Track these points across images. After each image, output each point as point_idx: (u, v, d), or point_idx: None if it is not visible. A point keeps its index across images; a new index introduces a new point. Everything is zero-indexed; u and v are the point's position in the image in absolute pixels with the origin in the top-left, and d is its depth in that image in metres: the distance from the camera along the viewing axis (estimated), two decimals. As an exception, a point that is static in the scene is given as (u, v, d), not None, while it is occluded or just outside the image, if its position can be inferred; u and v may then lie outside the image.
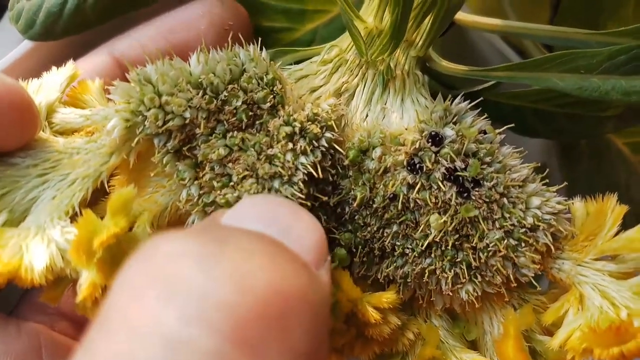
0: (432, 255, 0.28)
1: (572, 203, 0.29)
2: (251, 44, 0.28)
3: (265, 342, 0.17)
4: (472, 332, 0.30)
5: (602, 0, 0.39)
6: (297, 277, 0.20)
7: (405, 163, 0.28)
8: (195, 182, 0.27)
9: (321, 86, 0.30)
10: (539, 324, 0.29)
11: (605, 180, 0.42)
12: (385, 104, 0.30)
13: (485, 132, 0.28)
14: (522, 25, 0.31)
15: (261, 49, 0.29)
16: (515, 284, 0.29)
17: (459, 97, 0.29)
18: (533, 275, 0.28)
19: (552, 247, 0.28)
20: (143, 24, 0.34)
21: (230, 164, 0.27)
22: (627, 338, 0.25)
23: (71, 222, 0.26)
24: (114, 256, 0.24)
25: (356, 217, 0.29)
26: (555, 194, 0.29)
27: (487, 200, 0.27)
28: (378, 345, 0.29)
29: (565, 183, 0.29)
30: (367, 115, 0.30)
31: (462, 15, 0.31)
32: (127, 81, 0.27)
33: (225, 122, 0.27)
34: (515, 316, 0.28)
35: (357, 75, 0.30)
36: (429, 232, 0.28)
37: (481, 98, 0.29)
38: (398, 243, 0.29)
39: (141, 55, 0.32)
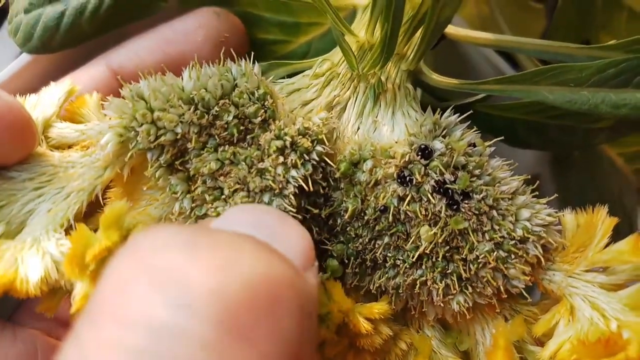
0: (423, 266, 0.29)
1: (563, 215, 0.29)
2: (244, 58, 0.29)
3: (253, 327, 0.18)
4: (465, 343, 0.31)
5: (595, 12, 0.39)
6: (285, 269, 0.20)
7: (395, 176, 0.28)
8: (188, 195, 0.27)
9: (313, 99, 0.30)
10: (531, 334, 0.29)
11: (597, 190, 0.42)
12: (377, 117, 0.30)
13: (474, 145, 0.28)
14: (512, 40, 0.31)
15: (254, 63, 0.29)
16: (507, 295, 0.29)
17: (449, 110, 0.29)
18: (524, 286, 0.28)
19: (542, 259, 0.28)
20: (140, 35, 0.34)
21: (221, 178, 0.27)
22: (616, 350, 0.25)
23: (66, 234, 0.26)
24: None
25: (348, 229, 0.30)
26: (546, 206, 0.29)
27: (477, 212, 0.28)
28: (370, 356, 0.30)
29: (556, 195, 0.29)
30: (358, 128, 0.30)
31: (453, 29, 0.31)
32: (124, 93, 0.27)
33: (216, 136, 0.27)
34: (506, 327, 0.28)
35: (348, 89, 0.31)
36: (419, 243, 0.28)
37: (471, 111, 0.29)
38: (389, 254, 0.29)
39: (138, 66, 0.33)
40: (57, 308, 0.27)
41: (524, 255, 0.28)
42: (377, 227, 0.29)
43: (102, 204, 0.27)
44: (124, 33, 0.35)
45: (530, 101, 0.33)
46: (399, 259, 0.29)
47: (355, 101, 0.31)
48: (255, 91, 0.28)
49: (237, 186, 0.27)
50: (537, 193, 0.29)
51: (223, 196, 0.27)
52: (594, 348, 0.26)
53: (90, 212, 0.28)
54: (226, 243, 0.20)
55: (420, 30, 0.29)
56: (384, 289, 0.30)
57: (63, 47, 0.32)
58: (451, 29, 0.31)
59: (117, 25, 0.34)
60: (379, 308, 0.28)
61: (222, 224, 0.23)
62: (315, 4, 0.28)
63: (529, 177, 0.29)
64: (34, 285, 0.24)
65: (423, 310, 0.30)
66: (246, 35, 0.36)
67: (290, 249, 0.22)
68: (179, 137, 0.27)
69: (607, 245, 0.28)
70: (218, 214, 0.27)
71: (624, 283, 0.28)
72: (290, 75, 0.32)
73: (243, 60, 0.29)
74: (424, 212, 0.28)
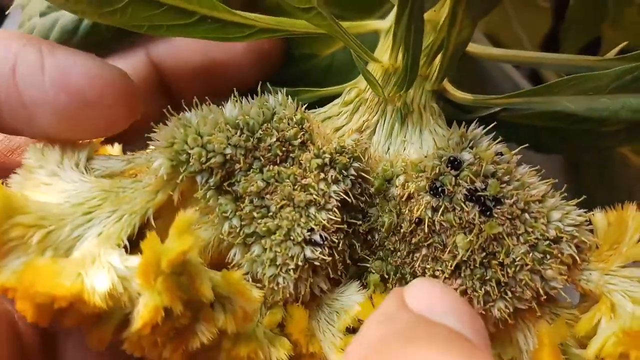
0: (462, 275, 0.29)
1: (593, 214, 0.30)
2: (279, 91, 0.31)
3: None
4: (508, 352, 0.31)
5: (606, 8, 0.40)
6: None
7: (427, 188, 0.29)
8: (237, 214, 0.29)
9: (344, 125, 0.32)
10: (575, 337, 0.29)
11: (607, 182, 0.42)
12: (405, 137, 0.32)
13: (501, 154, 0.30)
14: (532, 55, 0.33)
15: (287, 95, 0.31)
16: (546, 298, 0.30)
17: (474, 122, 0.30)
18: (561, 286, 0.29)
19: (577, 259, 0.29)
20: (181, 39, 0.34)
21: (268, 196, 0.29)
22: (663, 339, 0.26)
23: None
24: (176, 281, 0.25)
25: (386, 244, 0.31)
26: (575, 207, 0.30)
27: (510, 216, 0.29)
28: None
29: (583, 197, 0.30)
30: (388, 148, 0.32)
31: (472, 47, 0.33)
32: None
33: (261, 157, 0.29)
34: (549, 327, 0.29)
35: (377, 113, 0.32)
36: (456, 252, 0.29)
37: (495, 122, 0.31)
38: (428, 266, 0.30)
39: (177, 64, 0.34)
40: (109, 338, 0.27)
41: (559, 255, 0.29)
42: (413, 240, 0.30)
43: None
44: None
45: (551, 110, 0.35)
46: (437, 270, 0.30)
47: (384, 124, 0.32)
48: (293, 117, 0.30)
49: (284, 202, 0.29)
50: (565, 195, 0.30)
51: (270, 213, 0.29)
52: (640, 338, 0.26)
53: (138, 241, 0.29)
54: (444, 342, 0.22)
55: (441, 53, 0.31)
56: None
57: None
58: (470, 47, 0.33)
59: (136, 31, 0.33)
60: None
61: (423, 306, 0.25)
62: (337, 37, 0.30)
63: (557, 181, 0.30)
64: (101, 297, 0.24)
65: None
66: (286, 46, 0.37)
67: (483, 341, 0.24)
68: (227, 158, 0.29)
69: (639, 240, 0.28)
70: (267, 229, 0.28)
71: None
72: (317, 102, 0.34)
73: (279, 93, 0.31)
74: (458, 221, 0.29)
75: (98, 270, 0.25)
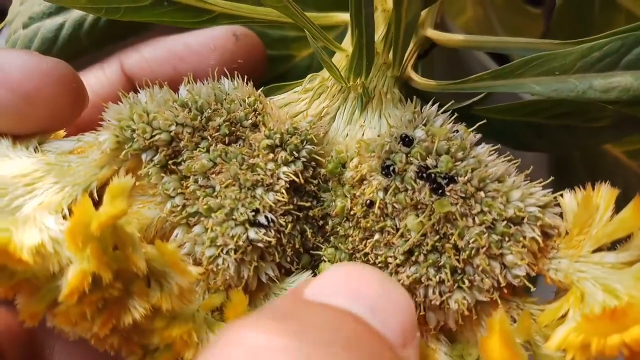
0: (415, 260, 0.27)
1: (561, 196, 0.27)
2: (239, 77, 0.31)
3: None
4: (473, 354, 0.27)
5: (593, 15, 0.38)
6: (383, 351, 0.19)
7: (379, 167, 0.28)
8: (180, 192, 0.28)
9: (302, 111, 0.32)
10: (544, 335, 0.26)
11: None
12: (364, 122, 0.31)
13: (457, 131, 0.28)
14: (495, 40, 0.32)
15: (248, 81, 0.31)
16: (511, 291, 0.26)
17: (429, 103, 0.29)
18: (524, 274, 0.26)
19: (544, 245, 0.26)
20: (155, 42, 0.35)
21: (213, 176, 0.28)
22: (627, 324, 0.22)
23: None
24: (106, 248, 0.24)
25: (339, 230, 0.29)
26: (540, 187, 0.27)
27: (463, 195, 0.26)
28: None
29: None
30: (347, 135, 0.31)
31: (436, 34, 0.32)
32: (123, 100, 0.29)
33: (209, 137, 0.29)
34: (503, 314, 0.25)
35: (338, 100, 0.32)
36: (408, 236, 0.27)
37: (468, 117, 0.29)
38: (380, 252, 0.28)
39: (148, 76, 0.34)
40: (42, 312, 0.26)
41: (521, 238, 0.26)
42: (366, 225, 0.28)
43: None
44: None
45: (528, 101, 0.33)
46: (390, 257, 0.28)
47: (344, 111, 0.31)
48: (246, 98, 0.30)
49: (229, 181, 0.28)
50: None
51: (215, 193, 0.28)
52: (601, 323, 0.22)
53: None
54: (323, 332, 0.19)
55: (393, 33, 0.30)
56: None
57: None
58: (435, 34, 0.32)
59: (115, 39, 0.35)
60: None
61: (317, 294, 0.22)
62: (297, 23, 0.30)
63: (519, 160, 0.28)
64: (28, 251, 0.24)
65: (423, 315, 0.28)
66: (265, 58, 0.36)
67: (389, 325, 0.21)
68: (172, 136, 0.28)
69: (610, 219, 0.25)
70: (209, 207, 0.27)
71: (636, 260, 0.25)
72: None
73: (235, 79, 0.31)
74: (409, 202, 0.27)
75: (30, 228, 0.25)
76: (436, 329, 0.28)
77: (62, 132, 0.31)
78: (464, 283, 0.26)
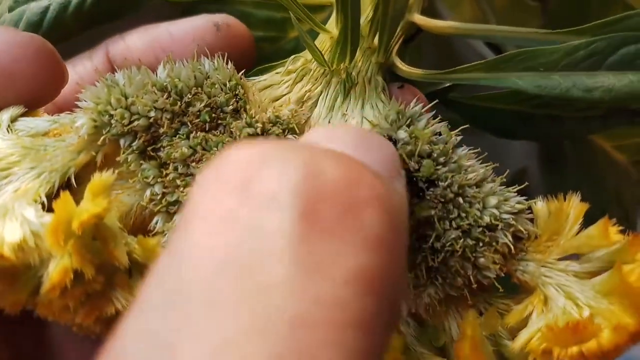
0: (392, 257, 0.28)
1: (535, 203, 0.28)
2: (218, 56, 0.30)
3: (338, 224, 0.18)
4: (440, 338, 0.30)
5: (590, 7, 0.38)
6: (363, 174, 0.20)
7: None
8: (159, 180, 0.28)
9: (284, 95, 0.31)
10: (508, 329, 0.28)
11: (593, 184, 0.41)
12: (346, 111, 0.31)
13: (440, 134, 0.28)
14: (480, 28, 0.31)
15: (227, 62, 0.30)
16: (479, 287, 0.28)
17: (415, 100, 0.29)
18: (494, 276, 0.28)
19: (513, 248, 0.28)
20: (140, 29, 0.34)
21: (193, 164, 0.28)
22: (586, 336, 0.24)
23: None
24: (87, 244, 0.24)
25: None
26: (515, 194, 0.28)
27: (443, 200, 0.27)
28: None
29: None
30: (329, 122, 0.31)
31: (422, 20, 0.31)
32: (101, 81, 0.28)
33: (189, 123, 0.28)
34: (476, 316, 0.27)
35: (320, 84, 0.31)
36: (387, 234, 0.28)
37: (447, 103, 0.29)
38: (359, 248, 0.29)
39: (131, 65, 0.32)
40: (23, 301, 0.26)
41: (494, 243, 0.27)
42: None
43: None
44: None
45: (510, 90, 0.33)
46: (368, 251, 0.29)
47: (327, 96, 0.31)
48: (227, 82, 0.29)
49: None
50: (504, 180, 0.28)
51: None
52: (563, 334, 0.25)
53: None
54: (302, 149, 0.20)
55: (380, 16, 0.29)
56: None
57: (46, 43, 0.32)
58: (421, 20, 0.31)
59: (101, 21, 0.34)
60: None
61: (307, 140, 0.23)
62: (281, 2, 0.29)
63: (497, 165, 0.28)
64: (10, 247, 0.23)
65: (396, 304, 0.29)
66: (253, 50, 0.35)
67: (372, 159, 0.22)
68: (151, 122, 0.28)
69: (579, 231, 0.27)
70: None
71: (598, 271, 0.27)
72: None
73: (216, 57, 0.30)
74: (390, 202, 0.28)
75: (10, 221, 0.24)
76: (406, 315, 0.30)
77: (40, 112, 0.30)
78: (437, 280, 0.28)
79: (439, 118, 0.29)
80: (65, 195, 0.24)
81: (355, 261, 0.17)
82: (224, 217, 0.18)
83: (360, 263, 0.17)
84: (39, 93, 0.29)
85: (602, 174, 0.41)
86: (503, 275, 0.28)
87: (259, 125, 0.28)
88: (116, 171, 0.27)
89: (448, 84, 0.32)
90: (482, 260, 0.27)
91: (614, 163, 0.43)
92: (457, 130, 0.28)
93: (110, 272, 0.26)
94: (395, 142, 0.28)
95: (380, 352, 0.18)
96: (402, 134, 0.28)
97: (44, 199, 0.26)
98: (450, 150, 0.28)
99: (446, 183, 0.27)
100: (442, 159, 0.28)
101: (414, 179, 0.27)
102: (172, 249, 0.18)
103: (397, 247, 0.20)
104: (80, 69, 0.33)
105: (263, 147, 0.20)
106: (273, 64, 0.33)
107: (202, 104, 0.28)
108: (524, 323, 0.27)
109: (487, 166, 0.28)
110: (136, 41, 0.34)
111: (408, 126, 0.28)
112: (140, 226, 0.29)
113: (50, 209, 0.26)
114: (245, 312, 0.16)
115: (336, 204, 0.18)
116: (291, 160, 0.19)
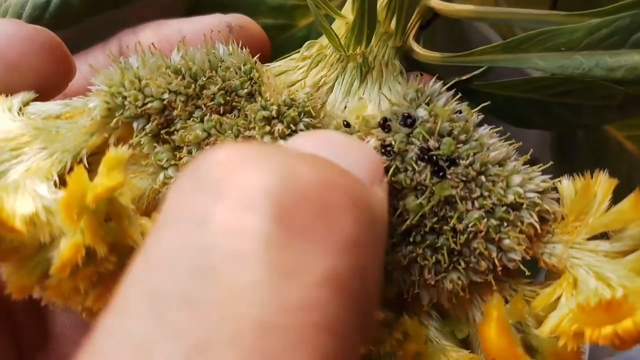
0: (412, 240, 0.27)
1: (559, 181, 0.27)
2: (234, 42, 0.30)
3: (311, 227, 0.18)
4: (464, 330, 0.28)
5: None
6: (343, 179, 0.20)
7: (379, 146, 0.27)
8: (173, 163, 0.28)
9: (299, 80, 0.30)
10: (535, 317, 0.27)
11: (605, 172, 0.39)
12: (363, 95, 0.30)
13: (460, 112, 0.27)
14: (499, 10, 0.31)
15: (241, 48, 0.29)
16: (504, 272, 0.27)
17: (433, 79, 0.28)
18: (520, 259, 0.26)
19: (540, 230, 0.26)
20: (154, 24, 0.34)
21: (208, 147, 0.27)
22: (620, 316, 0.23)
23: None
24: (101, 221, 0.24)
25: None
26: (540, 172, 0.27)
27: (464, 179, 0.26)
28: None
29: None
30: (345, 107, 0.30)
31: (441, 4, 0.31)
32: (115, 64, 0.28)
33: (203, 106, 0.28)
34: (501, 300, 0.26)
35: (336, 69, 0.31)
36: (406, 216, 0.27)
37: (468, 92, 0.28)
38: (377, 231, 0.28)
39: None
40: (32, 284, 0.25)
41: (519, 223, 0.26)
42: (364, 203, 0.28)
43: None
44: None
45: (531, 78, 0.32)
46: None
47: (343, 81, 0.30)
48: (242, 66, 0.28)
49: None
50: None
51: None
52: (596, 314, 0.23)
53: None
54: (280, 153, 0.20)
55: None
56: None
57: (52, 27, 0.31)
58: (438, 4, 0.31)
59: (108, 6, 0.34)
60: None
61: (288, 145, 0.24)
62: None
63: (521, 143, 0.27)
64: (22, 220, 0.23)
65: (417, 292, 0.28)
66: (268, 51, 0.35)
67: (353, 165, 0.22)
68: (165, 104, 0.27)
69: (608, 209, 0.26)
70: None
71: (631, 249, 0.25)
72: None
73: (230, 44, 0.29)
74: (409, 182, 0.27)
75: (22, 195, 0.24)
76: (428, 305, 0.29)
77: None
78: (460, 264, 0.27)
79: (459, 96, 0.28)
80: (80, 169, 0.24)
81: (326, 264, 0.17)
82: (197, 219, 0.18)
83: (331, 265, 0.17)
84: (45, 86, 0.29)
85: (613, 161, 0.40)
86: (529, 259, 0.27)
87: (274, 107, 0.28)
88: (131, 151, 0.27)
89: (472, 74, 0.32)
90: (507, 241, 0.26)
91: (626, 152, 0.42)
92: (477, 108, 0.28)
93: (124, 253, 0.25)
94: (414, 120, 0.27)
95: (351, 355, 0.18)
96: (422, 112, 0.27)
97: (56, 178, 0.26)
98: (472, 129, 0.27)
99: (468, 161, 0.26)
100: (462, 137, 0.27)
101: (434, 157, 0.27)
102: (147, 250, 0.18)
103: (372, 250, 0.20)
104: (92, 61, 0.33)
105: (241, 149, 0.20)
106: (287, 54, 0.33)
107: (217, 87, 0.28)
108: (552, 308, 0.26)
109: (510, 144, 0.27)
110: (147, 37, 0.34)
111: (427, 104, 0.28)
112: (153, 210, 0.28)
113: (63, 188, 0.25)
114: (215, 316, 0.16)
115: (310, 207, 0.18)
116: (268, 163, 0.19)
